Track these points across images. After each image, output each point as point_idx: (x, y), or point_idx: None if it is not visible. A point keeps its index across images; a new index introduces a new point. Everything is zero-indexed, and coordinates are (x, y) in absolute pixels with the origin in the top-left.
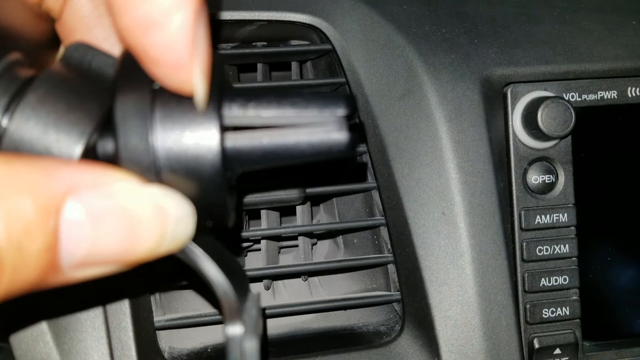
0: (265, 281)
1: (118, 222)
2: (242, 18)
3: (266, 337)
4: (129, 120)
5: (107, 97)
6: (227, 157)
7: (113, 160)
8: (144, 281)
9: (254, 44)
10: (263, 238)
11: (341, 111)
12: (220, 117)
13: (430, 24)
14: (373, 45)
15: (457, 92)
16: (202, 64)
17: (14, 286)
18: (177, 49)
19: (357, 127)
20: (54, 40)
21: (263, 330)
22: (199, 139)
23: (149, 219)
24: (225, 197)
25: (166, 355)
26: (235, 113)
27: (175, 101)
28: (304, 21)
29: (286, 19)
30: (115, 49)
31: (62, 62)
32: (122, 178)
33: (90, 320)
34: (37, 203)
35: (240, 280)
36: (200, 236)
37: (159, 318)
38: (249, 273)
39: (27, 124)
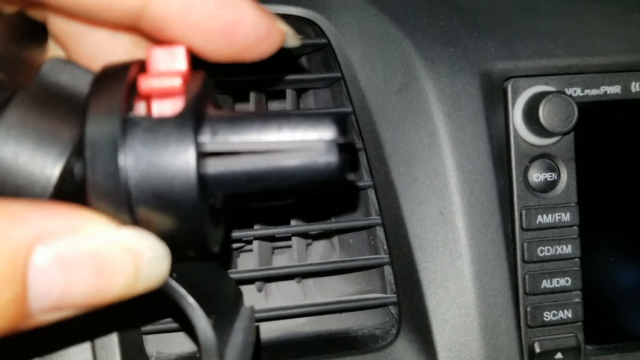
0: (257, 283)
1: (89, 267)
2: None
3: (259, 346)
4: (98, 150)
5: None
6: (207, 184)
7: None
8: None
9: None
10: (255, 238)
11: (329, 134)
12: (196, 143)
13: (428, 16)
14: (369, 39)
15: (456, 87)
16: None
17: None
18: (262, 23)
19: (349, 147)
20: (38, 44)
21: (256, 345)
22: (174, 167)
23: (120, 262)
24: (204, 228)
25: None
26: (217, 139)
27: (148, 128)
28: (299, 14)
29: (280, 11)
30: (95, 63)
31: (39, 80)
32: (93, 221)
33: (72, 323)
34: (4, 253)
35: (229, 301)
36: (184, 265)
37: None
38: (240, 275)
39: (4, 148)
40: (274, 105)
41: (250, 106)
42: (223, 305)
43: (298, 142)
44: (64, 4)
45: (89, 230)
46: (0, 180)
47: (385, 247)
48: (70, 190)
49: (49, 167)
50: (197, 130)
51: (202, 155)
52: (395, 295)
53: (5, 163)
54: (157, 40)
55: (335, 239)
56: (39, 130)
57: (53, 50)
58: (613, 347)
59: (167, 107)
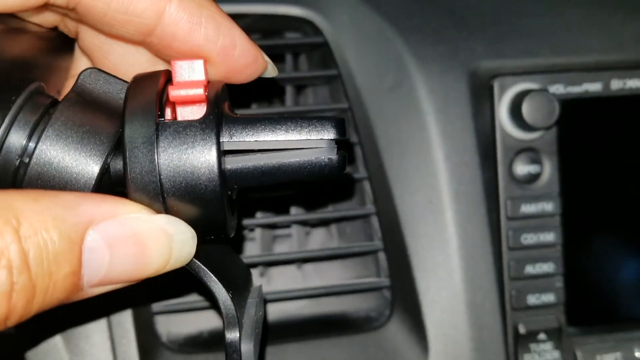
0: (259, 268)
1: (131, 247)
2: (238, 12)
3: (266, 325)
4: (136, 151)
5: (119, 121)
6: (226, 178)
7: (124, 179)
8: None
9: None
10: (258, 226)
11: (330, 135)
12: (218, 143)
13: (420, 17)
14: (364, 38)
15: (445, 84)
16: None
17: (44, 305)
18: (250, 53)
19: (348, 146)
20: (69, 55)
21: (264, 321)
22: (199, 164)
23: (157, 243)
24: (225, 215)
25: (164, 339)
26: (234, 139)
27: (177, 131)
28: (298, 14)
29: (280, 12)
30: (126, 73)
31: (78, 88)
32: (133, 209)
33: (90, 304)
34: (63, 235)
35: (242, 279)
36: (205, 247)
37: (157, 303)
38: (244, 261)
39: (52, 149)
40: (277, 102)
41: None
42: (237, 283)
43: (303, 142)
44: (91, 18)
45: (130, 217)
46: (50, 175)
47: (380, 234)
48: (108, 184)
49: (91, 164)
50: (218, 131)
51: (222, 152)
52: (388, 279)
53: (55, 161)
54: (160, 55)
55: (333, 228)
56: (82, 132)
57: (79, 59)
58: (593, 329)
59: (192, 112)
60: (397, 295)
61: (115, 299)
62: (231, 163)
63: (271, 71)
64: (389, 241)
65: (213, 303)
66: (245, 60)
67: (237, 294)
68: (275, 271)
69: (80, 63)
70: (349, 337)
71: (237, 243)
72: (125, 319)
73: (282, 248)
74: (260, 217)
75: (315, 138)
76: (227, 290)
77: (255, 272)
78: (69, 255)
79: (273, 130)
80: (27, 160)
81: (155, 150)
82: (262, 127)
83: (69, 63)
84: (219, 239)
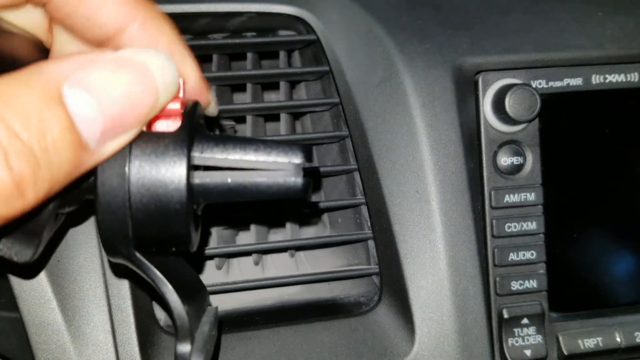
0: (254, 256)
1: (114, 88)
2: (233, 10)
3: (218, 346)
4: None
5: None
6: (193, 192)
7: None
8: None
9: (244, 34)
10: (251, 217)
11: (297, 159)
12: (189, 157)
13: (407, 15)
14: (354, 36)
15: (431, 80)
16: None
17: (58, 170)
18: (196, 88)
19: (314, 172)
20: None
21: (216, 342)
22: (168, 174)
23: (137, 75)
24: (189, 229)
25: (162, 323)
26: (204, 154)
27: (150, 140)
28: (291, 13)
29: (273, 10)
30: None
31: None
32: (105, 52)
33: (92, 290)
34: (39, 95)
35: (199, 297)
36: (165, 258)
37: None
38: (239, 248)
39: None
40: (271, 97)
41: (247, 97)
42: (194, 299)
43: (270, 164)
44: (59, 16)
45: (107, 58)
46: None
47: (369, 223)
48: (80, 189)
49: None
50: (189, 146)
51: (192, 167)
52: (377, 266)
53: None
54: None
55: (326, 218)
56: None
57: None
58: (575, 314)
59: (167, 126)
60: (385, 281)
61: (115, 282)
62: (200, 177)
63: (212, 110)
64: (378, 230)
65: (169, 313)
66: (192, 92)
67: (193, 309)
68: (269, 259)
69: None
70: (339, 320)
71: (232, 236)
72: (125, 304)
73: (276, 238)
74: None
75: (284, 161)
76: (183, 303)
77: (250, 261)
78: (52, 112)
79: (244, 150)
80: None
81: (127, 158)
82: (233, 145)
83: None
84: (180, 251)
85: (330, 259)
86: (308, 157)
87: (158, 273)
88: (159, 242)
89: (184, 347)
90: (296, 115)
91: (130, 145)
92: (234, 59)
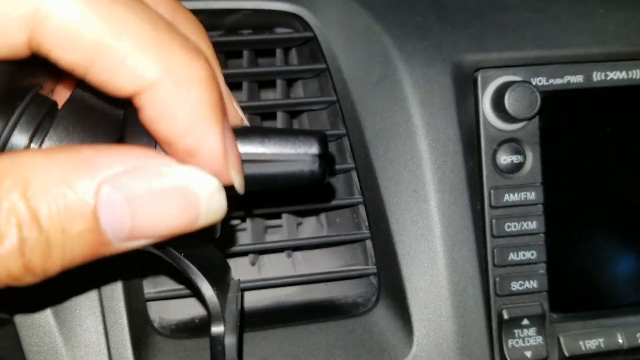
0: (250, 256)
1: (153, 204)
2: (229, 7)
3: (243, 312)
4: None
5: (116, 128)
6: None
7: None
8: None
9: (240, 31)
10: (249, 217)
11: (314, 150)
12: None
13: (405, 12)
14: (352, 33)
15: (429, 77)
16: (236, 166)
17: (66, 261)
18: (215, 165)
19: (330, 158)
20: None
21: (241, 312)
22: None
23: (180, 200)
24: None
25: (156, 324)
26: None
27: None
28: (287, 10)
29: (270, 7)
30: None
31: (76, 93)
32: (158, 162)
33: (84, 290)
34: (74, 190)
35: (222, 272)
36: (192, 247)
37: (149, 290)
38: (235, 249)
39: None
40: (268, 95)
41: (244, 95)
42: (219, 276)
43: (292, 155)
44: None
45: (151, 170)
46: None
47: (367, 223)
48: None
49: None
50: None
51: None
52: (375, 266)
53: None
54: None
55: (323, 219)
56: (81, 139)
57: None
58: (576, 315)
59: None
60: (383, 281)
61: (108, 283)
62: None
63: (237, 186)
64: (375, 229)
65: (197, 295)
66: (207, 169)
67: (219, 288)
68: (266, 259)
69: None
70: (336, 322)
71: (229, 234)
72: (118, 305)
73: (274, 238)
74: (251, 207)
75: (302, 152)
76: (212, 286)
77: (246, 261)
78: (81, 210)
79: (264, 143)
80: None
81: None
82: (255, 138)
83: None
84: (206, 240)
85: (328, 260)
86: (324, 146)
87: (187, 262)
88: (183, 236)
89: (218, 329)
90: (293, 113)
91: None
92: (230, 57)
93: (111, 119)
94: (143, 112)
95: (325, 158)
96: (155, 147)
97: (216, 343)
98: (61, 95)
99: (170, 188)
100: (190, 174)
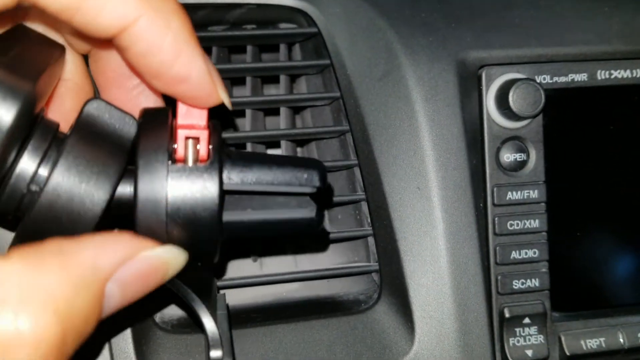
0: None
1: (139, 284)
2: (233, 1)
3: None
4: (148, 191)
5: (124, 155)
6: (222, 222)
7: (129, 203)
8: None
9: (244, 26)
10: None
11: (316, 183)
12: (220, 188)
13: (410, 7)
14: (356, 29)
15: (433, 74)
16: (222, 86)
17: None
18: (205, 87)
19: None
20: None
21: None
22: (204, 204)
23: (158, 274)
24: (217, 249)
25: (157, 320)
26: (232, 181)
27: (185, 175)
28: (291, 5)
29: (274, 2)
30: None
31: (84, 118)
32: (141, 248)
33: None
34: (88, 298)
35: (210, 286)
36: (191, 274)
37: None
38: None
39: (65, 181)
40: (271, 91)
41: (247, 90)
42: (209, 293)
43: (291, 187)
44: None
45: (139, 257)
46: (61, 206)
47: (369, 220)
48: (111, 214)
49: (100, 194)
50: (220, 178)
51: (223, 196)
52: (377, 263)
53: (66, 192)
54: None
55: (326, 215)
56: (91, 166)
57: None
58: (578, 314)
59: (195, 150)
60: (385, 278)
61: None
62: (227, 215)
63: (226, 103)
64: (378, 226)
65: (193, 317)
66: (197, 93)
67: (210, 306)
68: (268, 256)
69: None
70: (337, 318)
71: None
72: None
73: None
74: None
75: (301, 191)
76: (209, 311)
77: (248, 259)
78: (93, 310)
79: (265, 177)
80: (35, 188)
81: (165, 191)
82: (257, 169)
83: (61, 71)
84: (206, 265)
85: (330, 256)
86: (323, 181)
87: (189, 291)
88: (190, 262)
89: (217, 353)
90: (297, 109)
91: (167, 178)
92: (234, 51)
93: (117, 144)
94: (129, 52)
95: (321, 195)
96: (168, 161)
97: None
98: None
99: (150, 268)
100: (166, 252)
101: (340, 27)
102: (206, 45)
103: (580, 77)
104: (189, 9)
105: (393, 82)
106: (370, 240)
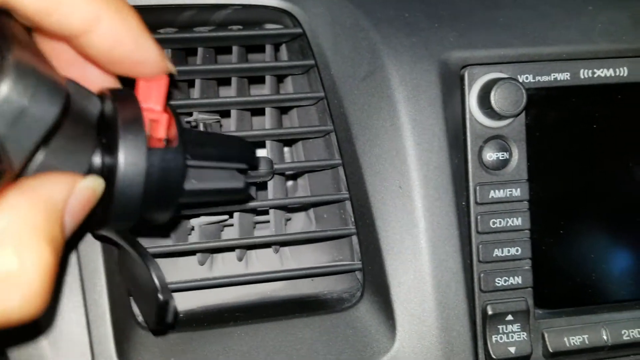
0: (237, 252)
1: (80, 211)
2: (218, 2)
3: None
4: (131, 156)
5: (94, 129)
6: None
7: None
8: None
9: (230, 27)
10: (236, 211)
11: (249, 161)
12: (185, 161)
13: (394, 8)
14: (340, 29)
15: (416, 74)
16: (168, 59)
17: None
18: (160, 64)
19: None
20: None
21: None
22: (172, 179)
23: (90, 199)
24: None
25: (140, 319)
26: (190, 158)
27: (160, 156)
28: (276, 5)
29: (259, 3)
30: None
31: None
32: (77, 180)
33: (67, 284)
34: (59, 225)
35: None
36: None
37: None
38: (223, 243)
39: (55, 153)
40: (258, 91)
41: (232, 91)
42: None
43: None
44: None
45: (79, 187)
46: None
47: (353, 219)
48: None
49: (80, 168)
50: (184, 159)
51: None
52: (360, 262)
53: (54, 166)
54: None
55: (312, 215)
56: (74, 142)
57: None
58: (561, 311)
59: (166, 131)
60: (368, 276)
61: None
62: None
63: (174, 72)
64: (361, 225)
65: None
66: (152, 71)
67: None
68: (254, 255)
69: None
70: (320, 316)
71: (216, 231)
72: (101, 298)
73: (261, 233)
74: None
75: (237, 167)
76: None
77: (234, 256)
78: (63, 240)
79: (214, 151)
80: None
81: (144, 165)
82: (207, 148)
83: None
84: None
85: (316, 255)
86: (253, 158)
87: (143, 246)
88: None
89: (167, 295)
90: (284, 110)
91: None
92: (220, 52)
93: (86, 117)
94: (92, 47)
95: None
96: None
97: (166, 307)
98: None
99: (87, 197)
100: (93, 182)
101: (324, 27)
102: (192, 46)
103: (563, 76)
104: (174, 9)
105: (376, 82)
106: (354, 239)
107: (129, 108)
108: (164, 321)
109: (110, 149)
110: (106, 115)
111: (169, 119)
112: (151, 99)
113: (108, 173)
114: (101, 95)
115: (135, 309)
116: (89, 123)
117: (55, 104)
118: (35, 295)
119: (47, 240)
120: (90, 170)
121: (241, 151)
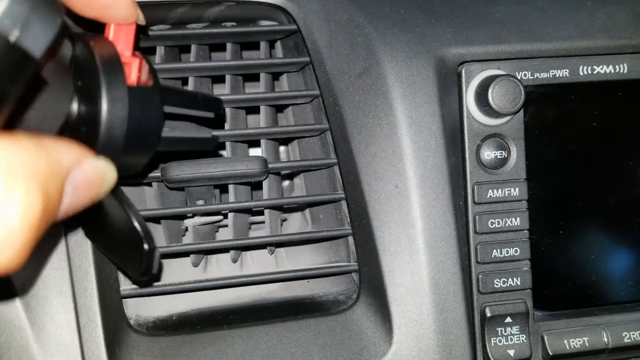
0: (232, 253)
1: (85, 188)
2: None
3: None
4: (115, 105)
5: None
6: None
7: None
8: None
9: (223, 24)
10: (231, 211)
11: (217, 110)
12: (162, 99)
13: (390, 4)
14: (335, 26)
15: (412, 71)
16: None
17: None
18: (130, 7)
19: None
20: None
21: None
22: (152, 119)
23: (98, 182)
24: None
25: (132, 322)
26: (167, 107)
27: (138, 94)
28: (271, 1)
29: None
30: None
31: None
32: (86, 154)
33: (57, 287)
34: (58, 183)
35: None
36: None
37: (125, 287)
38: (217, 244)
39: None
40: (252, 89)
41: (226, 89)
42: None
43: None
44: None
45: (86, 162)
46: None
47: (349, 219)
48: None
49: (60, 109)
50: (162, 100)
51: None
52: (356, 263)
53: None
54: None
55: (308, 215)
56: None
57: None
58: (560, 313)
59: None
60: (364, 278)
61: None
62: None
63: (141, 20)
64: (357, 225)
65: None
66: (121, 14)
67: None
68: (249, 256)
69: None
70: (315, 319)
71: (211, 232)
72: (91, 301)
73: (256, 234)
74: (232, 202)
75: (206, 116)
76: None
77: (228, 257)
78: (57, 200)
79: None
80: None
81: (127, 107)
82: (180, 95)
83: None
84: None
85: (311, 256)
86: (220, 109)
87: (128, 198)
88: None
89: (152, 244)
90: (279, 108)
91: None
92: (214, 50)
93: (61, 59)
94: None
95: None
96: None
97: (152, 255)
98: None
99: (93, 176)
100: (104, 166)
101: (319, 23)
102: (185, 43)
103: (562, 73)
104: (167, 5)
105: (372, 79)
106: (351, 240)
107: (105, 49)
108: (150, 271)
109: (87, 92)
110: (80, 57)
111: (140, 62)
112: (120, 44)
113: (89, 115)
114: (71, 39)
115: (129, 312)
116: (63, 66)
117: (56, 14)
118: (15, 241)
119: (41, 188)
120: (69, 115)
121: (206, 100)
